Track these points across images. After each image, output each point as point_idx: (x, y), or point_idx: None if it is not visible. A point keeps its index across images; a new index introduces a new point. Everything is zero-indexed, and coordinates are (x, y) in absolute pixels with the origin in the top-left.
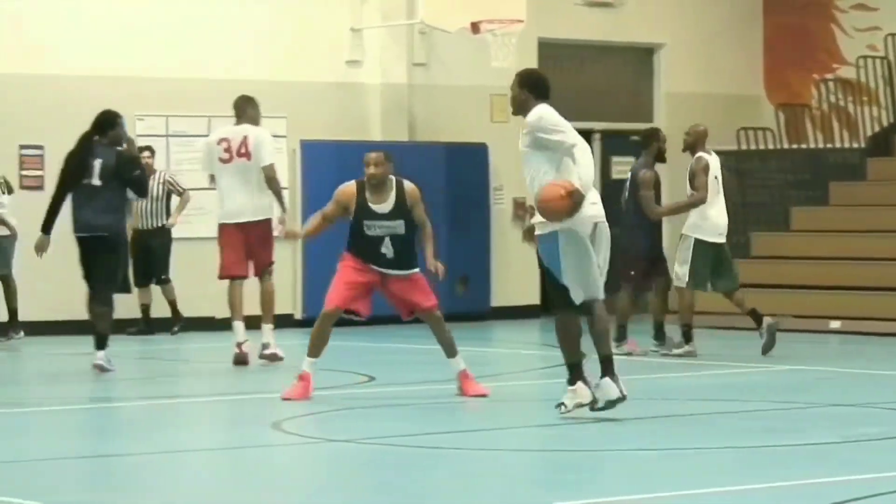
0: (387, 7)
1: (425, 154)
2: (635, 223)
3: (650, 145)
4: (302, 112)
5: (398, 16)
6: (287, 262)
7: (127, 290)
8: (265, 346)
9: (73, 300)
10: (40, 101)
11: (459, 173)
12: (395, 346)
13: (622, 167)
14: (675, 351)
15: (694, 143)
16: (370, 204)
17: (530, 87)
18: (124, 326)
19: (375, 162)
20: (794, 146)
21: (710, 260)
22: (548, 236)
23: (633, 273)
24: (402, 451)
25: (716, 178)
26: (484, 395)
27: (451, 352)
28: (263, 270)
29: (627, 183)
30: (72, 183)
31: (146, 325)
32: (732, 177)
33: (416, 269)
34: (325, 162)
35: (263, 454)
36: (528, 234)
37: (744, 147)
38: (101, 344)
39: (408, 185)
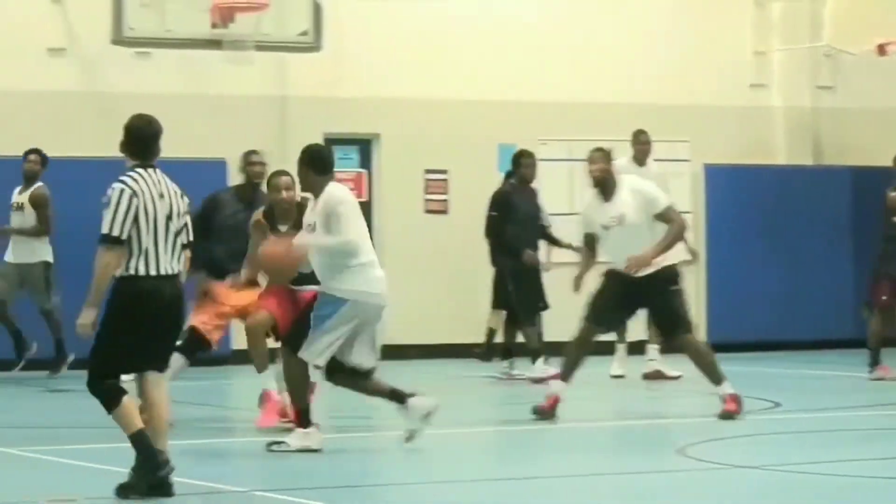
0: (789, 30)
1: (831, 178)
2: (889, 247)
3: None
4: (705, 136)
5: (802, 39)
6: (689, 284)
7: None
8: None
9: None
10: (446, 125)
11: (867, 197)
12: (804, 373)
13: None
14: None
15: None
16: (278, 226)
17: (309, 165)
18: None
19: (286, 187)
20: None
21: None
22: (338, 298)
23: (884, 298)
24: (810, 479)
25: None
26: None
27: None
28: None
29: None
30: None
31: (488, 350)
32: None
33: (314, 288)
34: (728, 186)
35: (670, 480)
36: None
37: None
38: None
39: (305, 201)
